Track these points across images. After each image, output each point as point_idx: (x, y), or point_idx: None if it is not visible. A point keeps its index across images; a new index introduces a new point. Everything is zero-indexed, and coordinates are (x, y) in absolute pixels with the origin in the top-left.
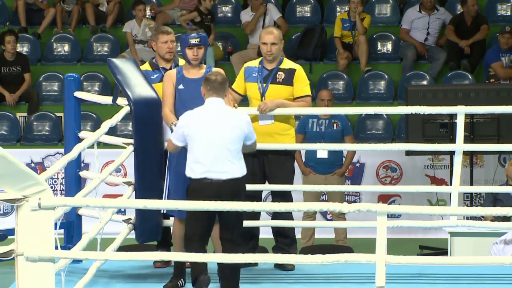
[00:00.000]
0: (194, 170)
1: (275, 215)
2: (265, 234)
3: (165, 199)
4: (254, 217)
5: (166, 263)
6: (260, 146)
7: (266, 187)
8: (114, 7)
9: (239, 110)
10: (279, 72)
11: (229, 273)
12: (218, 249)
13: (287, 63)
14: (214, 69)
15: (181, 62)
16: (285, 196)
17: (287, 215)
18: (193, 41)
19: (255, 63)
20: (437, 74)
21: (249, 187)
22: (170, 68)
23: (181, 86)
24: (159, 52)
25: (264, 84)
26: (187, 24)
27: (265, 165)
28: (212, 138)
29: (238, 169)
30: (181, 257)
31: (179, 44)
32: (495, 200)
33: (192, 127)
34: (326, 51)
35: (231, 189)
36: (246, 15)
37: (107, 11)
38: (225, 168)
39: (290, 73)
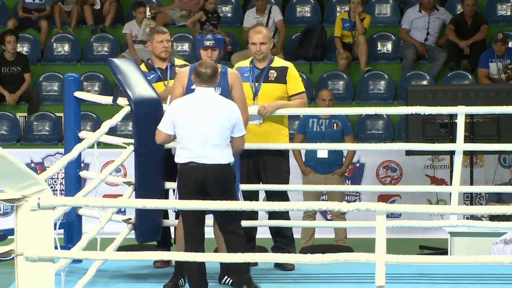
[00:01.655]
0: (181, 155)
1: (272, 215)
2: (264, 234)
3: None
4: (251, 218)
5: (166, 263)
6: (256, 146)
7: (265, 187)
8: (110, 6)
9: (230, 101)
10: (271, 71)
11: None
12: (221, 248)
13: (279, 61)
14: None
15: (177, 61)
16: (282, 196)
17: (285, 215)
18: (207, 43)
19: (246, 63)
20: (437, 74)
21: (246, 187)
22: (166, 68)
23: (193, 86)
24: (154, 51)
25: (257, 84)
26: (201, 27)
27: (259, 166)
28: (200, 125)
29: (224, 156)
30: (181, 257)
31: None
32: (498, 200)
33: (179, 114)
34: (326, 51)
35: (218, 174)
36: (251, 17)
37: (104, 12)
38: (211, 154)
39: (282, 71)
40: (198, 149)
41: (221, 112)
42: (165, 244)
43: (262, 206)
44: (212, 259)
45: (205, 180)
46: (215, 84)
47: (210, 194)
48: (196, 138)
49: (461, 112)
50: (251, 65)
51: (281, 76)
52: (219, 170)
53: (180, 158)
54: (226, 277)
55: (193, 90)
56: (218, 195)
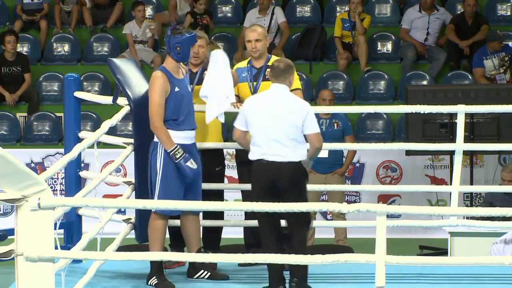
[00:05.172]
0: (253, 152)
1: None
2: None
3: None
4: (255, 218)
5: (177, 263)
6: None
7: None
8: (115, 7)
9: (300, 99)
10: (268, 69)
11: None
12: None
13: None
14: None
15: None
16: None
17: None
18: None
19: (244, 63)
20: (437, 74)
21: (249, 187)
22: (196, 72)
23: (177, 89)
24: None
25: (255, 83)
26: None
27: None
28: (270, 122)
29: (294, 153)
30: (182, 257)
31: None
32: (490, 206)
33: (251, 112)
34: (326, 51)
35: (288, 172)
36: (252, 17)
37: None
38: (280, 151)
39: None
40: (268, 147)
41: (291, 109)
42: (177, 244)
43: (261, 206)
44: (214, 259)
45: (276, 179)
46: (289, 80)
47: (282, 193)
48: (266, 135)
49: (461, 111)
50: (248, 65)
51: None
52: (289, 168)
53: (252, 155)
54: (202, 271)
55: (177, 92)
56: (290, 194)
